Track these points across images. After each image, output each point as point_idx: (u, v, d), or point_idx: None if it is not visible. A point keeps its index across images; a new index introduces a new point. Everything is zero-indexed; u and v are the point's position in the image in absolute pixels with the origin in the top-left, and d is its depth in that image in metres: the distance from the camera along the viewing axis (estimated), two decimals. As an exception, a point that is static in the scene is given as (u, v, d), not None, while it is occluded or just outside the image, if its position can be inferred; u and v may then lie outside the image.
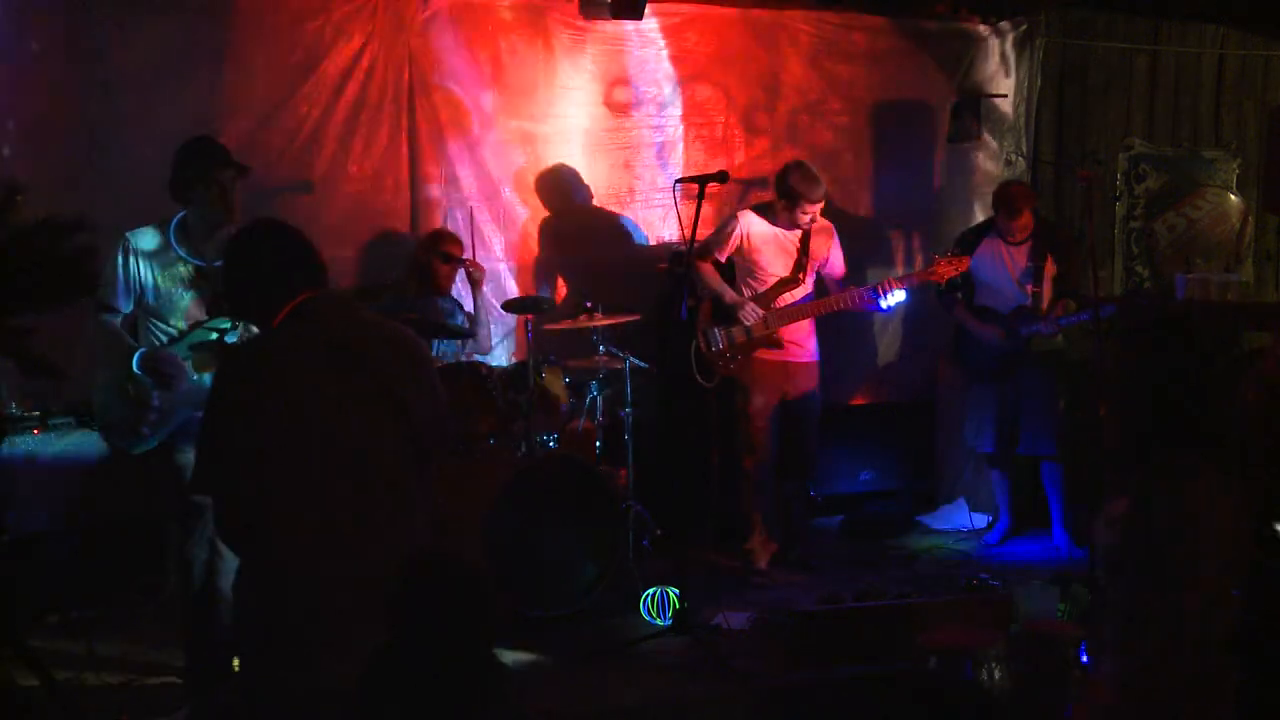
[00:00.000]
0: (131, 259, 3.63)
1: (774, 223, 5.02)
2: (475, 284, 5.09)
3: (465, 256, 5.08)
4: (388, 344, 2.55)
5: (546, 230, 5.70)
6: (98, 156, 4.87)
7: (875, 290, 4.98)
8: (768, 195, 5.68)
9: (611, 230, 5.82)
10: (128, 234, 3.72)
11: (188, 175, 3.68)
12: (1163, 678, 2.27)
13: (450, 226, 5.39)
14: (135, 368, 3.51)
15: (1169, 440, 2.33)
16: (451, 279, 5.10)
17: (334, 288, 2.70)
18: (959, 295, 5.45)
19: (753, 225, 5.02)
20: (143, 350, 3.53)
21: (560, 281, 5.77)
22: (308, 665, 2.37)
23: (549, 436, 4.78)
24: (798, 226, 4.97)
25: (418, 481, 2.54)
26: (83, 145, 4.85)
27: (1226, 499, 2.30)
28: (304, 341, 2.47)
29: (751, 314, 4.98)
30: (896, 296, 4.97)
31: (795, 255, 5.02)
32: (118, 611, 4.44)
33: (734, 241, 5.01)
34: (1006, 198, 5.32)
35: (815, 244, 5.05)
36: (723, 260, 5.08)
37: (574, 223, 5.74)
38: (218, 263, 3.63)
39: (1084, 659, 3.08)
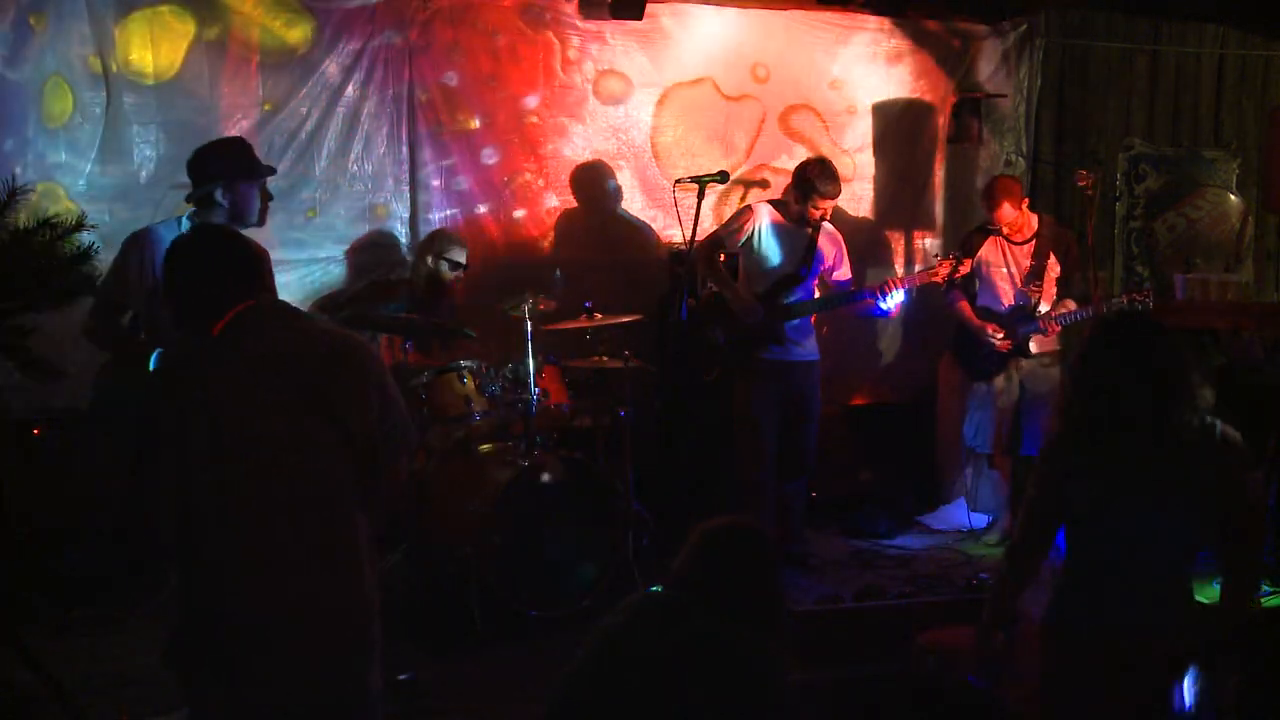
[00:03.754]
0: (145, 255, 3.61)
1: (786, 218, 5.03)
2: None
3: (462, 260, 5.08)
4: (330, 356, 2.45)
5: (547, 230, 5.71)
6: (98, 156, 4.87)
7: (875, 291, 5.00)
8: (767, 195, 5.70)
9: (612, 230, 5.82)
10: (143, 230, 3.71)
11: (211, 174, 3.66)
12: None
13: (450, 227, 5.39)
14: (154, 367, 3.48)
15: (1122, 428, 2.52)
16: (461, 281, 5.09)
17: (275, 297, 2.62)
18: (961, 294, 5.46)
19: (765, 217, 5.04)
20: (162, 350, 3.50)
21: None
22: (239, 684, 2.32)
23: (549, 436, 4.78)
24: (808, 223, 4.99)
25: (359, 498, 2.45)
26: (84, 144, 4.86)
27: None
28: (238, 353, 2.40)
29: (752, 309, 4.98)
30: (896, 297, 4.99)
31: (801, 253, 5.03)
32: (118, 611, 4.44)
33: (745, 231, 5.03)
34: (985, 190, 5.43)
35: (823, 247, 5.07)
36: (733, 250, 5.09)
37: (574, 223, 5.74)
38: None
39: None
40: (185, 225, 3.68)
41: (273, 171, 3.84)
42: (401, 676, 3.65)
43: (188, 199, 3.73)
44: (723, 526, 2.47)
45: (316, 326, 2.58)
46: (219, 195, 3.64)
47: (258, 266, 2.54)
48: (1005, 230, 5.32)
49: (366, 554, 2.47)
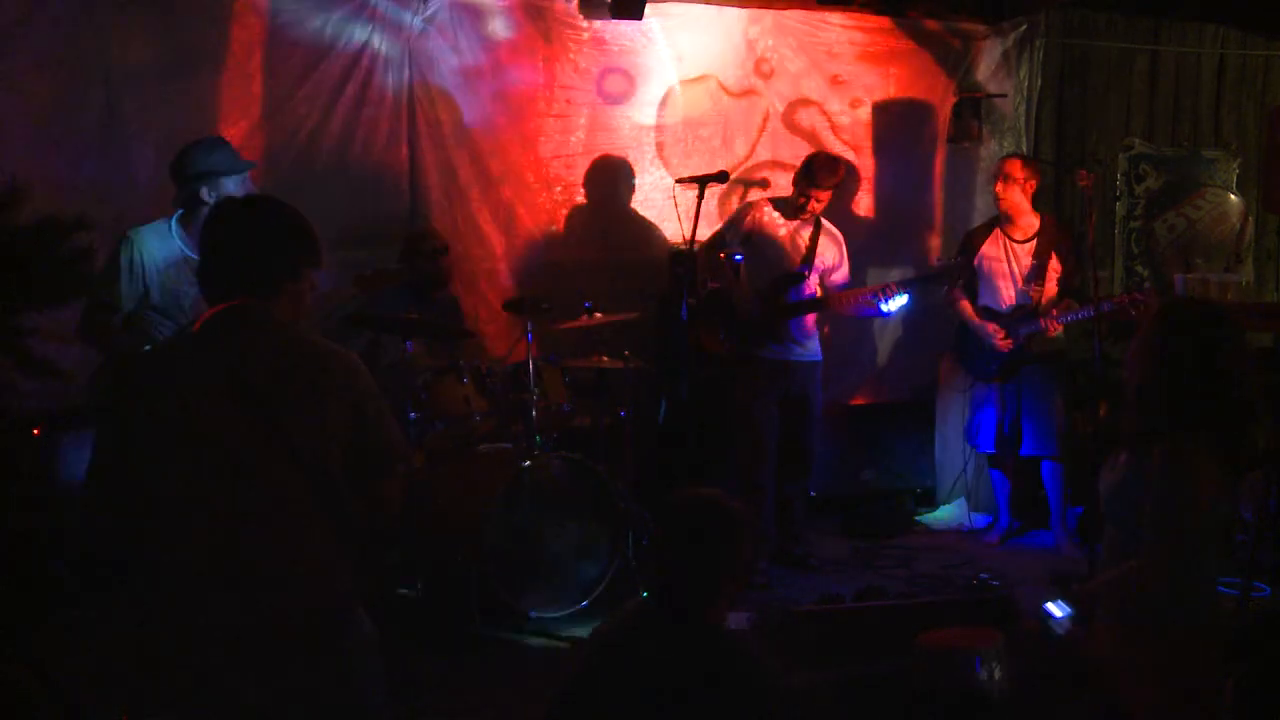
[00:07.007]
0: (136, 256, 3.63)
1: (786, 216, 5.04)
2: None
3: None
4: (300, 371, 2.35)
5: (546, 230, 5.70)
6: (98, 156, 4.87)
7: (877, 294, 4.99)
8: (769, 194, 5.70)
9: (612, 229, 5.81)
10: (130, 231, 3.72)
11: (195, 173, 3.66)
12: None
13: (449, 226, 5.39)
14: None
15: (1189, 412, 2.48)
16: (448, 272, 5.09)
17: (264, 300, 2.42)
18: (962, 293, 5.45)
19: (766, 214, 5.06)
20: (149, 347, 3.52)
21: (560, 281, 5.76)
22: (212, 692, 2.25)
23: (549, 437, 4.78)
24: (807, 212, 4.99)
25: (333, 521, 2.35)
26: (84, 144, 4.86)
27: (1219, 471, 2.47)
28: (213, 356, 2.30)
29: (755, 307, 4.98)
30: (899, 301, 4.98)
31: (803, 251, 5.04)
32: (118, 611, 4.43)
33: (747, 228, 5.05)
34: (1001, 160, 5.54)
35: (824, 246, 5.07)
36: (735, 248, 5.10)
37: (574, 222, 5.75)
38: None
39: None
40: (174, 227, 3.69)
41: (253, 166, 3.84)
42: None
43: (174, 202, 3.73)
44: (686, 503, 2.48)
45: (297, 338, 2.41)
46: (205, 194, 3.65)
47: (266, 263, 2.39)
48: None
49: (342, 558, 2.38)
